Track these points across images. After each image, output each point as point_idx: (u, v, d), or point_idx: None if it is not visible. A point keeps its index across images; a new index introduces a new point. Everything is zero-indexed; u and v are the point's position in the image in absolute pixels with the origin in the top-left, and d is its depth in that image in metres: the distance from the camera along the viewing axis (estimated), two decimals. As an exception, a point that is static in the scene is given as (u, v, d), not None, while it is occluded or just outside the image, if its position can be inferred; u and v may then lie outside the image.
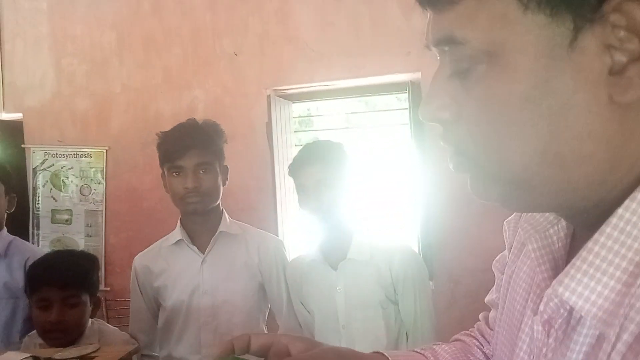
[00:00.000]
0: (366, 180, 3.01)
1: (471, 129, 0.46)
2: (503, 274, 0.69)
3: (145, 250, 1.80)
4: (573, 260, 0.44)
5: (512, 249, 0.67)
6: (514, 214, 0.66)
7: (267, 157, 2.99)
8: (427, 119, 0.48)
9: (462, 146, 0.47)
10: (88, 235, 3.22)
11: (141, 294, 1.76)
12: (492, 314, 0.81)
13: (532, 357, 0.52)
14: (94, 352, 1.00)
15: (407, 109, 2.89)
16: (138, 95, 3.22)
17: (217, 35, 3.08)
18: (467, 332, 0.86)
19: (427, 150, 2.76)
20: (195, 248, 1.72)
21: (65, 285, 1.51)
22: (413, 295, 1.57)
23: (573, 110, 0.41)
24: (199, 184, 1.62)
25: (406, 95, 2.84)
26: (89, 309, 1.58)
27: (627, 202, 0.42)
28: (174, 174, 1.63)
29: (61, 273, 1.52)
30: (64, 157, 3.28)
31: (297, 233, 3.02)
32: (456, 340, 0.85)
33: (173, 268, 1.71)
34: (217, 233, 1.72)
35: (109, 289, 3.17)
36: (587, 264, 0.43)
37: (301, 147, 1.68)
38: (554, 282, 0.45)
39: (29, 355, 0.95)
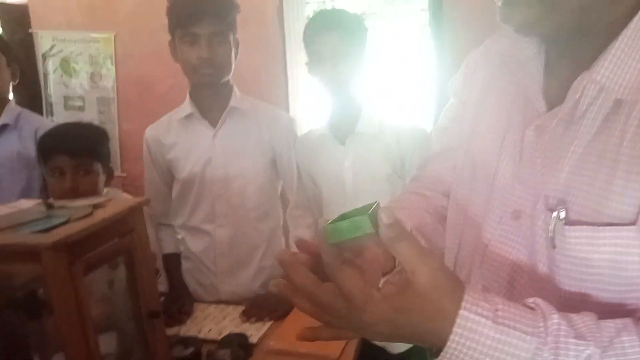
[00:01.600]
0: (382, 61, 2.93)
1: None
2: (459, 100, 0.86)
3: (156, 123, 1.82)
4: (602, 55, 0.59)
5: (472, 87, 0.81)
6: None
7: (279, 45, 2.91)
8: None
9: None
10: (101, 122, 3.24)
11: (153, 164, 1.80)
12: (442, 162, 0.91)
13: (516, 160, 0.68)
14: (105, 201, 1.04)
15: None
16: (144, -24, 3.09)
17: None
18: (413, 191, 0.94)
19: (445, 35, 2.66)
20: (206, 122, 1.72)
21: (76, 152, 1.54)
22: None
23: None
24: (214, 54, 1.58)
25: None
26: (102, 178, 1.62)
27: None
28: (187, 42, 1.57)
29: (71, 141, 1.55)
30: (73, 42, 3.22)
31: (307, 111, 3.00)
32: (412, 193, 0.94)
33: (184, 141, 1.74)
34: (228, 108, 1.71)
35: (125, 174, 3.24)
36: (615, 55, 0.58)
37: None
38: (582, 75, 0.60)
39: (40, 200, 0.99)
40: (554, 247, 0.61)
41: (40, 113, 3.27)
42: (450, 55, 2.62)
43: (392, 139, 1.56)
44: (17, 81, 1.95)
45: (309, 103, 2.94)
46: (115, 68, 3.22)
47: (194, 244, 1.80)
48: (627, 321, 0.53)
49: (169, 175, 1.81)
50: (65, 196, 1.49)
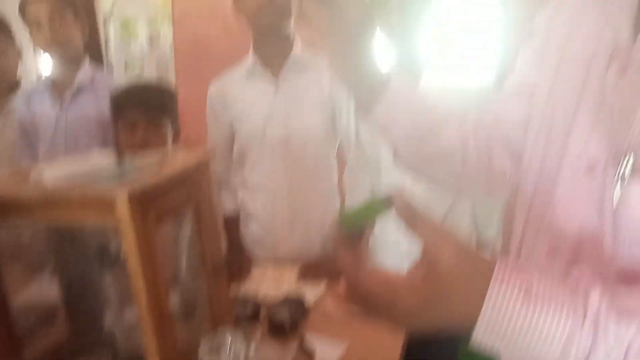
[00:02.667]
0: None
1: None
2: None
3: (219, 78, 1.86)
4: None
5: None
6: None
7: None
8: None
9: None
10: (160, 85, 3.29)
11: (217, 122, 1.85)
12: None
13: (596, 107, 0.62)
14: (174, 154, 1.05)
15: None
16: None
17: None
18: None
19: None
20: (268, 73, 1.73)
21: (148, 106, 1.60)
22: None
23: None
24: None
25: None
26: (171, 134, 1.67)
27: None
28: None
29: (144, 96, 1.62)
30: (132, 2, 3.26)
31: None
32: None
33: (247, 95, 1.76)
34: (289, 59, 1.71)
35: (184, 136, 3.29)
36: None
37: None
38: None
39: (112, 152, 1.01)
40: (614, 205, 0.56)
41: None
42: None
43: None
44: (87, 39, 1.99)
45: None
46: (173, 29, 3.25)
47: (253, 201, 1.82)
48: None
49: (231, 132, 1.82)
50: (136, 149, 1.54)
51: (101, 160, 0.99)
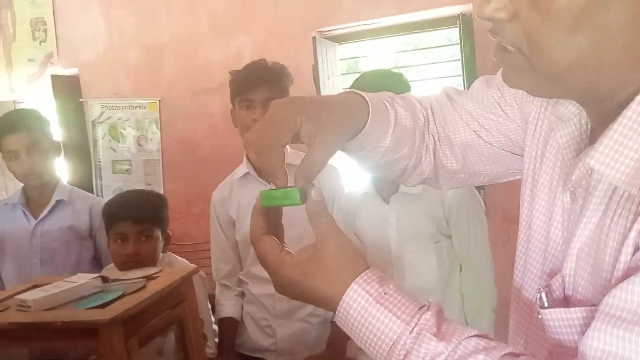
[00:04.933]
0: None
1: (526, 30, 0.52)
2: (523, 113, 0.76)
3: (220, 185, 1.93)
4: (600, 138, 0.53)
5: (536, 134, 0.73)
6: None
7: (313, 90, 2.98)
8: (484, 17, 0.54)
9: (514, 42, 0.54)
10: (147, 184, 3.35)
11: (220, 225, 1.88)
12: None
13: (564, 224, 0.64)
14: (157, 273, 1.07)
15: (457, 44, 2.78)
16: (187, 44, 3.25)
17: (261, -22, 3.04)
18: None
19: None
20: (261, 180, 1.79)
21: (140, 219, 1.63)
22: (467, 228, 1.57)
23: (620, 26, 0.49)
24: None
25: (456, 29, 2.73)
26: (161, 243, 1.70)
27: None
28: (244, 107, 1.73)
29: (135, 208, 1.65)
30: (120, 109, 3.38)
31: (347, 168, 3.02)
32: None
33: (243, 198, 1.83)
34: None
35: (170, 233, 3.31)
36: (611, 140, 0.52)
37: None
38: (582, 154, 0.57)
39: (97, 275, 1.03)
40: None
41: (90, 178, 3.41)
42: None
43: (436, 198, 1.56)
44: (61, 154, 2.03)
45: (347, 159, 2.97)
46: (160, 131, 3.35)
47: (256, 288, 1.85)
48: (499, 348, 0.55)
49: (233, 234, 1.87)
50: (127, 261, 1.57)
51: (85, 282, 1.01)
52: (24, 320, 0.93)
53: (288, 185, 0.63)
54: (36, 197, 1.96)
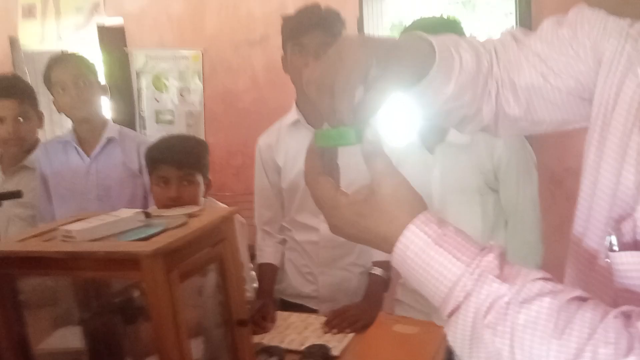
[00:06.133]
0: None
1: None
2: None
3: (267, 131, 1.92)
4: None
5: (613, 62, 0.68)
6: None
7: None
8: None
9: None
10: (189, 135, 3.38)
11: (265, 171, 1.88)
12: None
13: (638, 167, 0.60)
14: (198, 211, 1.07)
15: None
16: (229, -5, 3.21)
17: None
18: None
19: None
20: (311, 128, 1.78)
21: (182, 164, 1.64)
22: (516, 182, 1.51)
23: None
24: None
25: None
26: (202, 188, 1.71)
27: None
28: (297, 51, 1.70)
29: (178, 153, 1.66)
30: (164, 59, 3.40)
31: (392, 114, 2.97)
32: None
33: (292, 146, 1.82)
34: None
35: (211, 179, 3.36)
36: None
37: None
38: None
39: (140, 210, 1.04)
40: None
41: (134, 127, 3.46)
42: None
43: (485, 150, 1.50)
44: (109, 95, 2.07)
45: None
46: (203, 83, 3.36)
47: (300, 235, 1.86)
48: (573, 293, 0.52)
49: (278, 180, 1.87)
50: (169, 204, 1.58)
51: (128, 217, 1.02)
52: (68, 249, 0.94)
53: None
54: (87, 135, 2.02)
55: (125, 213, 1.04)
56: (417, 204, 0.60)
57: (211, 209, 1.09)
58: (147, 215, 1.04)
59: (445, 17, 1.61)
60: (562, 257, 0.76)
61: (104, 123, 2.03)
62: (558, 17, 0.77)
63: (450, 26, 1.55)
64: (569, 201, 2.61)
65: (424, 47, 0.69)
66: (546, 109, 0.77)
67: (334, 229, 0.63)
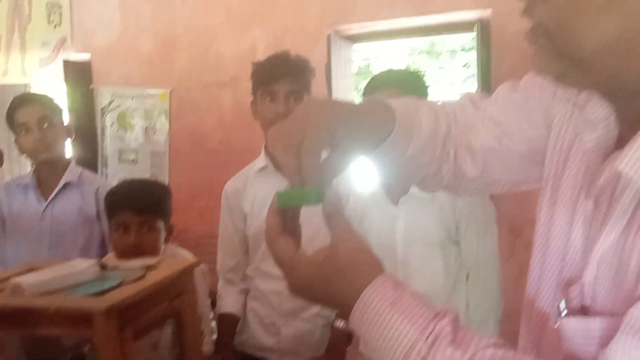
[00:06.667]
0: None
1: (556, 10, 0.52)
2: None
3: (234, 176, 1.90)
4: (630, 142, 0.52)
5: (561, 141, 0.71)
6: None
7: (325, 90, 2.94)
8: None
9: (545, 22, 0.53)
10: (153, 175, 3.33)
11: (230, 217, 1.85)
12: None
13: (585, 232, 0.61)
14: (157, 263, 1.04)
15: (472, 49, 2.74)
16: (200, 36, 3.23)
17: (279, -27, 3.01)
18: None
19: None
20: (279, 175, 1.77)
21: (142, 210, 1.59)
22: (476, 235, 1.53)
23: None
24: (289, 109, 1.69)
25: (471, 35, 2.70)
26: (163, 234, 1.66)
27: None
28: (267, 98, 1.71)
29: (138, 199, 1.61)
30: (130, 97, 3.36)
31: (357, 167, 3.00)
32: None
33: (259, 192, 1.80)
34: None
35: (173, 225, 3.29)
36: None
37: (363, 87, 1.66)
38: (610, 158, 0.56)
39: (95, 260, 1.00)
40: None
41: (96, 165, 3.39)
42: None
43: (447, 203, 1.52)
44: (73, 137, 2.03)
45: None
46: (169, 122, 3.33)
47: (264, 284, 1.81)
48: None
49: (244, 228, 1.84)
50: (128, 251, 1.53)
51: (83, 268, 0.98)
52: (16, 304, 0.90)
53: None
54: (47, 178, 1.96)
55: (80, 264, 1.00)
56: (375, 266, 0.60)
57: (170, 261, 1.06)
58: (103, 267, 1.00)
59: (409, 69, 1.64)
60: (521, 308, 0.77)
61: (65, 165, 1.98)
62: (512, 82, 0.81)
63: (414, 78, 1.59)
64: (528, 251, 2.65)
65: (385, 112, 0.70)
66: (501, 171, 0.80)
67: (293, 289, 0.63)
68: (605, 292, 0.56)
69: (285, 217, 0.65)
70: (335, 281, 0.59)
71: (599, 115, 0.62)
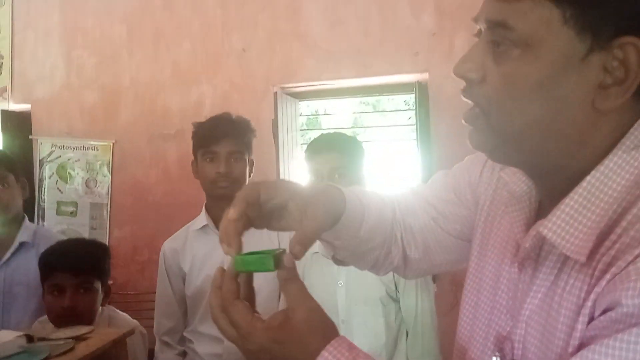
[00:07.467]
0: (372, 178, 3.01)
1: (491, 92, 0.59)
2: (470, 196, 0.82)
3: (173, 235, 1.87)
4: (553, 210, 0.58)
5: (485, 207, 0.78)
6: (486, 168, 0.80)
7: (273, 155, 2.99)
8: (459, 75, 0.61)
9: (480, 102, 0.60)
10: (92, 228, 3.23)
11: (168, 277, 1.81)
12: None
13: (509, 294, 0.66)
14: (88, 333, 1.01)
15: (413, 109, 2.87)
16: (146, 89, 3.23)
17: (227, 31, 3.08)
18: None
19: (432, 150, 2.75)
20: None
21: (78, 271, 1.52)
22: (415, 293, 1.57)
23: (569, 101, 0.56)
24: (230, 169, 1.72)
25: (413, 95, 2.83)
26: (101, 295, 1.59)
27: (596, 169, 0.56)
28: (208, 159, 1.74)
29: (74, 259, 1.54)
30: (71, 149, 3.29)
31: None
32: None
33: (199, 251, 1.78)
34: None
35: (112, 282, 3.17)
36: (563, 212, 0.57)
37: (309, 142, 1.73)
38: (535, 225, 0.60)
39: (22, 333, 0.96)
40: None
41: (32, 217, 3.26)
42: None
43: (386, 262, 1.57)
44: (27, 196, 1.95)
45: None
46: (111, 174, 3.27)
47: (202, 347, 1.76)
48: None
49: (182, 288, 1.80)
50: (62, 315, 1.46)
51: (8, 341, 0.94)
52: None
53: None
54: (1, 238, 1.86)
55: (5, 337, 0.96)
56: (330, 329, 0.63)
57: (103, 331, 1.02)
58: (30, 339, 0.96)
59: (346, 134, 1.77)
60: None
61: (19, 224, 1.89)
62: (446, 170, 0.89)
63: (350, 142, 1.66)
64: (470, 303, 2.72)
65: (335, 192, 0.76)
66: (440, 251, 0.86)
67: (247, 354, 0.64)
68: (534, 349, 0.60)
69: (241, 282, 0.67)
70: (291, 346, 0.61)
71: (522, 189, 0.68)
